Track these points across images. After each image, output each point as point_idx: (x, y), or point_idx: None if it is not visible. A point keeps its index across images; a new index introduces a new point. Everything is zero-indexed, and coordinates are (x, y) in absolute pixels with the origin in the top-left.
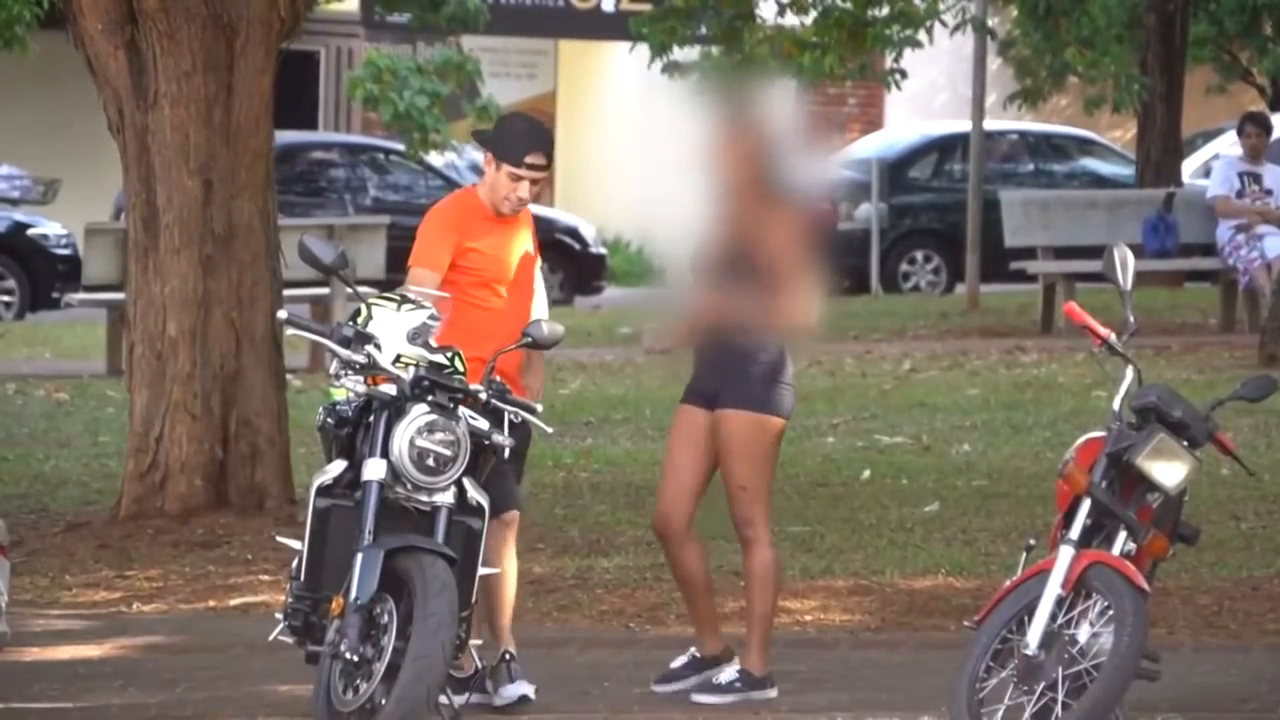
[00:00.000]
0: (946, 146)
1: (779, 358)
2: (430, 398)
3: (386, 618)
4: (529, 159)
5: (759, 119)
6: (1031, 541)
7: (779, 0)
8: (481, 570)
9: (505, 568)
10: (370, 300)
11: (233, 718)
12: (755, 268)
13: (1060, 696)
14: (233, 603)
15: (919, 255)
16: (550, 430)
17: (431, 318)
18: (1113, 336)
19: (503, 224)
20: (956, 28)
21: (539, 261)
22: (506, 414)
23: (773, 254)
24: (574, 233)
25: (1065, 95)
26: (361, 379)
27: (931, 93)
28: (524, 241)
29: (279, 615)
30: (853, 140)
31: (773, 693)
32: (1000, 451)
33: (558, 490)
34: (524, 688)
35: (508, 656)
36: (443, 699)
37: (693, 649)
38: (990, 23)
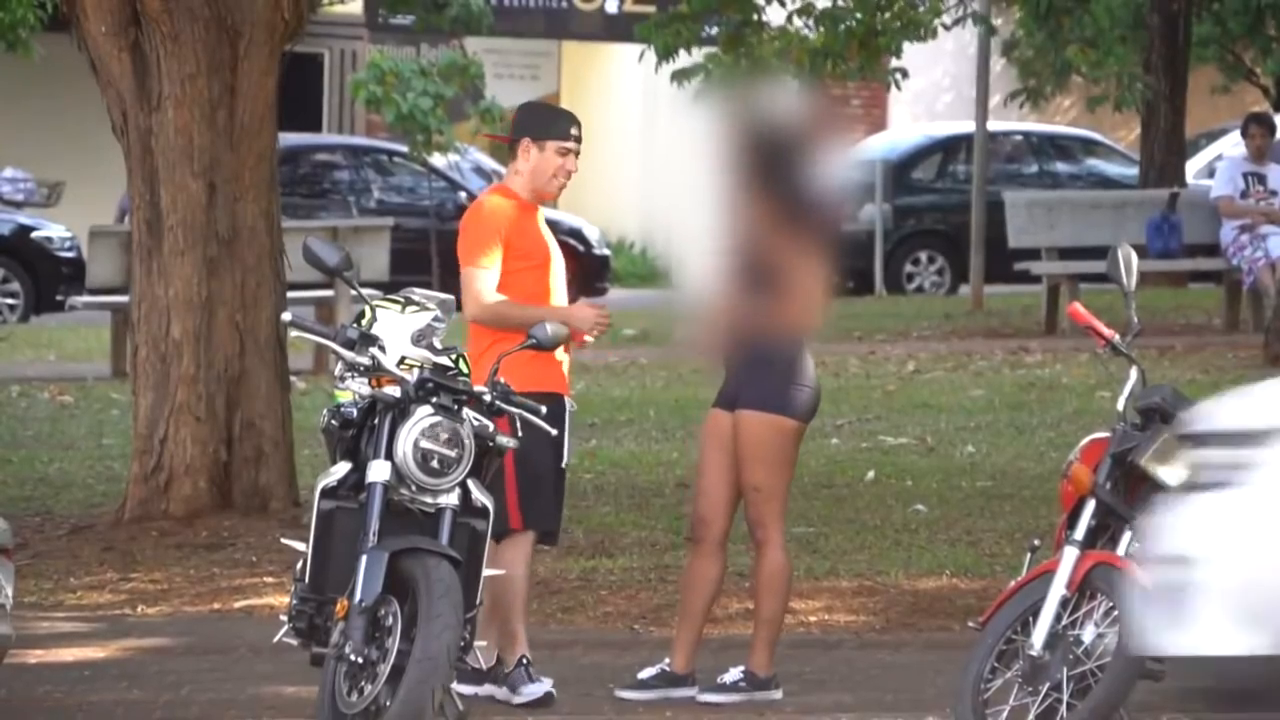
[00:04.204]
0: (950, 147)
1: (796, 359)
2: (434, 399)
3: (391, 619)
4: (573, 130)
5: (771, 120)
6: (1036, 542)
7: (784, 4)
8: (486, 571)
9: (521, 574)
10: (374, 302)
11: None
12: (767, 268)
13: (1065, 697)
14: (237, 605)
15: (923, 256)
16: (554, 432)
17: (436, 319)
18: (1117, 337)
19: (534, 211)
20: (956, 22)
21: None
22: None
23: (784, 254)
24: (578, 234)
25: (1069, 95)
26: (366, 381)
27: (935, 94)
28: (545, 226)
29: (283, 617)
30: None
31: (777, 694)
32: (1004, 452)
33: None
34: (546, 684)
35: (525, 661)
36: (457, 691)
37: (665, 661)
38: (994, 23)
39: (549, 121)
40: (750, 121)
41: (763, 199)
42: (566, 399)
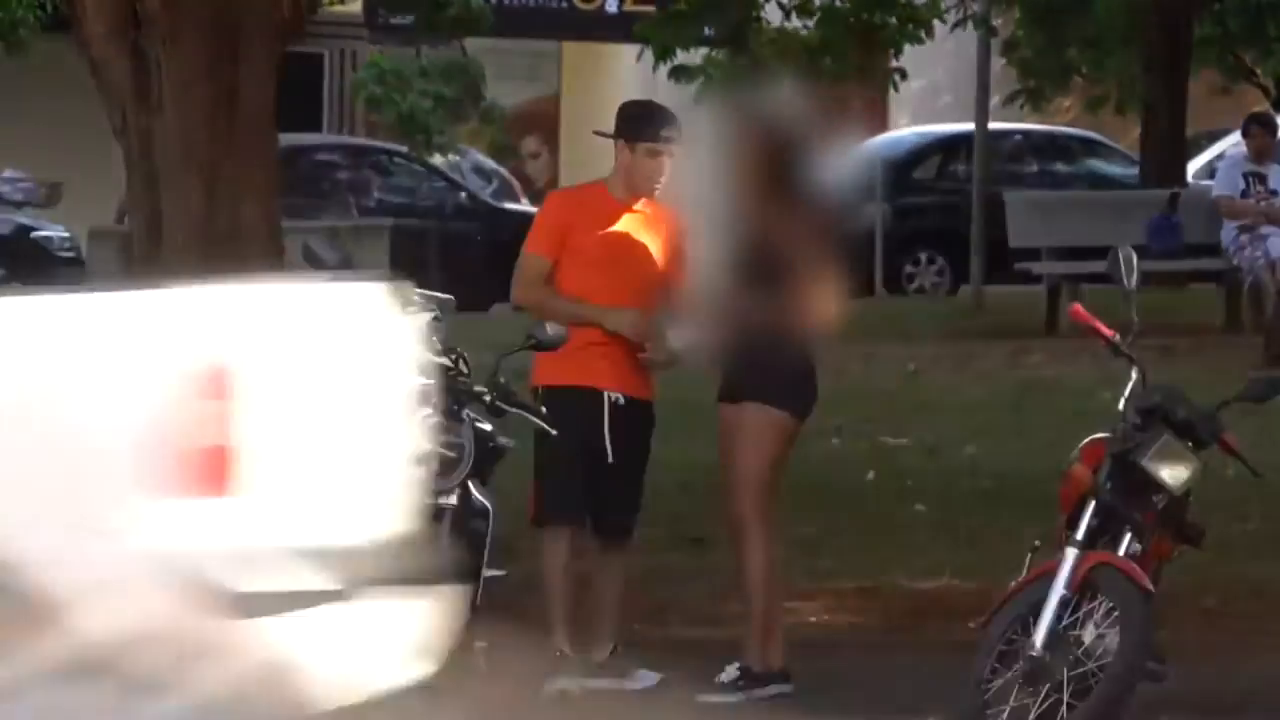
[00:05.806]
0: (950, 147)
1: (798, 355)
2: (434, 400)
3: None
4: (664, 133)
5: (777, 117)
6: (1037, 543)
7: (782, 4)
8: (487, 572)
9: (556, 571)
10: None
11: None
12: (776, 267)
13: (1066, 698)
14: None
15: (923, 256)
16: (555, 431)
17: (436, 319)
18: (1117, 337)
19: (630, 213)
20: (957, 24)
21: None
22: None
23: (793, 252)
24: None
25: (1069, 96)
26: None
27: (935, 94)
28: (652, 234)
29: None
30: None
31: (775, 689)
32: (1004, 452)
33: None
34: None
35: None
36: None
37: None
38: (994, 24)
39: (640, 124)
40: (755, 120)
41: (768, 197)
42: (607, 393)
